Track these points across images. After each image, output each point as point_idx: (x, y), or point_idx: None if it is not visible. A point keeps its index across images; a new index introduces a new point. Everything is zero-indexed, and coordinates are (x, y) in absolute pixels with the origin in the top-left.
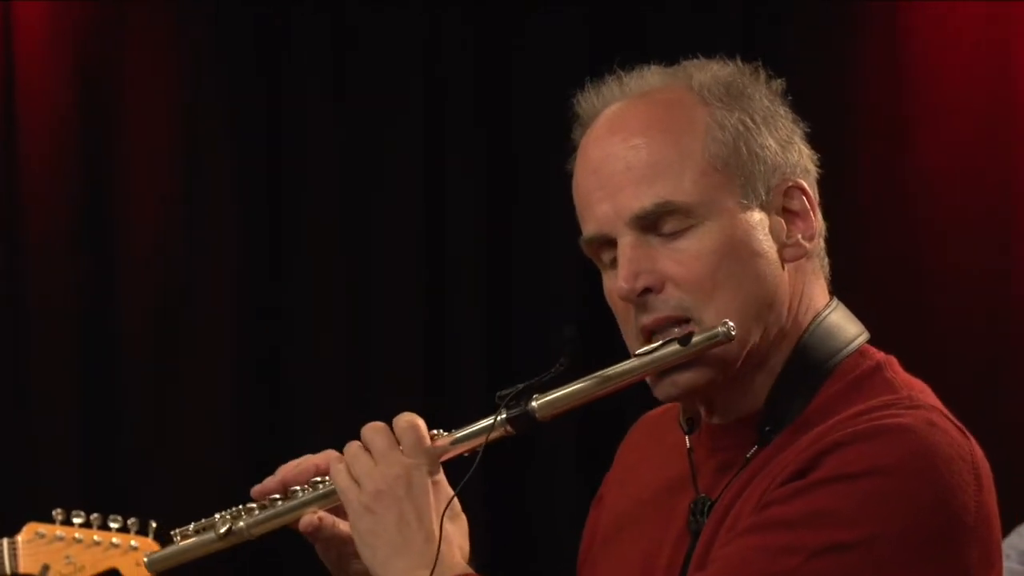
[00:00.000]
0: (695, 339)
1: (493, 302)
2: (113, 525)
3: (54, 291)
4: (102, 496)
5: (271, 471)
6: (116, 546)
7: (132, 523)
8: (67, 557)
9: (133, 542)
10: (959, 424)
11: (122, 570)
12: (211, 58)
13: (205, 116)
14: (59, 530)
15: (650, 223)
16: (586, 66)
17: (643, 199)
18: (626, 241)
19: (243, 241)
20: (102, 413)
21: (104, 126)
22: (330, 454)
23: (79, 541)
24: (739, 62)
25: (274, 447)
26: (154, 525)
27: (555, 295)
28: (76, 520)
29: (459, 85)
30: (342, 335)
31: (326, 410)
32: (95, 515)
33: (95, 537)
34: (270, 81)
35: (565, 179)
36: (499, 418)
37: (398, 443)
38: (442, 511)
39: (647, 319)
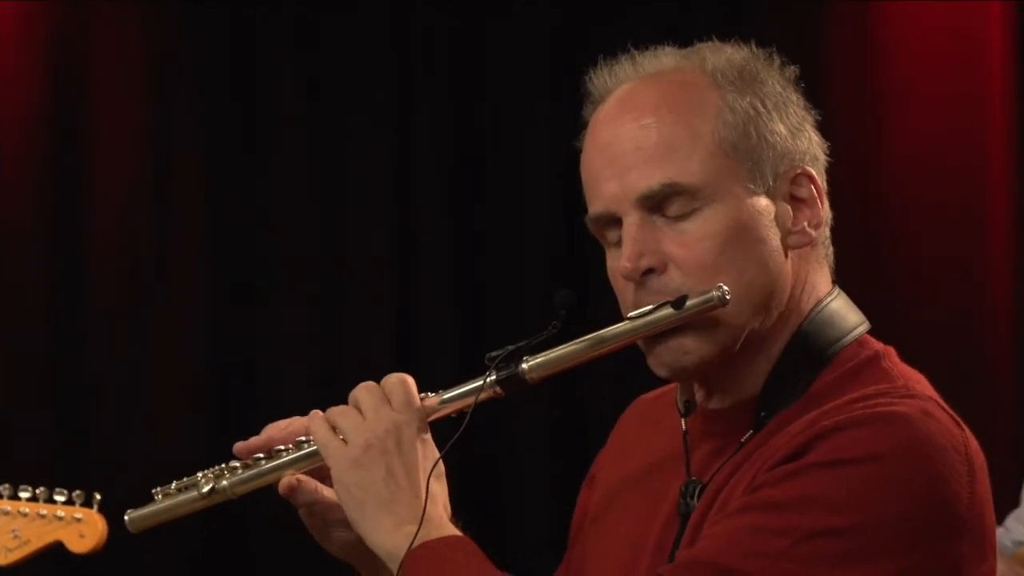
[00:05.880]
0: (689, 302)
1: (462, 276)
2: (58, 498)
3: (25, 288)
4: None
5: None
6: (60, 519)
7: (77, 495)
8: (13, 531)
9: (77, 514)
10: (954, 415)
11: (66, 542)
12: (181, 57)
13: (175, 114)
14: (6, 504)
15: (656, 204)
16: (559, 48)
17: (650, 179)
18: (631, 221)
19: (215, 233)
20: (74, 399)
21: (75, 126)
22: (317, 414)
23: (24, 515)
24: (754, 47)
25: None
26: (98, 497)
27: (526, 265)
28: (23, 495)
29: (430, 53)
30: (313, 318)
31: (298, 392)
32: (41, 489)
33: (41, 511)
34: (241, 77)
35: (537, 155)
36: (488, 379)
37: (388, 401)
38: (429, 470)
39: (647, 299)
